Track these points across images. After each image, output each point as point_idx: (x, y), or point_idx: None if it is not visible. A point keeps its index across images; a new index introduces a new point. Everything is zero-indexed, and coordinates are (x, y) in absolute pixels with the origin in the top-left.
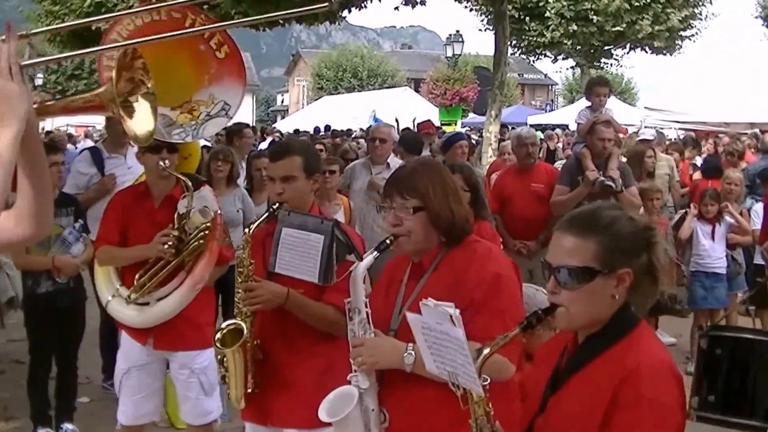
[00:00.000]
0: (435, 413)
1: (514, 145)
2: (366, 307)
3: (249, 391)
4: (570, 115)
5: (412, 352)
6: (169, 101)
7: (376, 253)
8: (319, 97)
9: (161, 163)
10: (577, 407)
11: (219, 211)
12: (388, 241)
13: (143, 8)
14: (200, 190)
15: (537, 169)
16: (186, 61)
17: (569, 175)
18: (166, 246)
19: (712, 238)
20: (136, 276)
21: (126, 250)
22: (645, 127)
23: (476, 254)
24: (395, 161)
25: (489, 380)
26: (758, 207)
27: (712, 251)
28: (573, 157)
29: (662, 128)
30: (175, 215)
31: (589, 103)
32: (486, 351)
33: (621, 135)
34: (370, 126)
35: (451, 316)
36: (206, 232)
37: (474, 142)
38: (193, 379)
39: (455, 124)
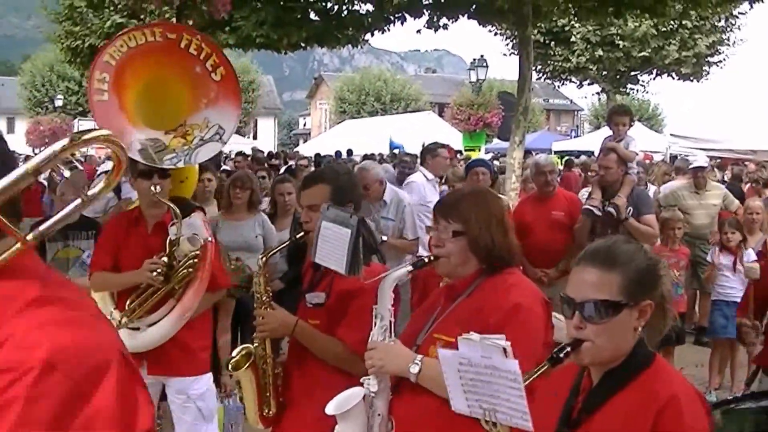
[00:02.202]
0: (438, 427)
1: (533, 174)
2: (390, 315)
3: (266, 413)
4: (596, 141)
5: (419, 363)
6: (164, 124)
7: (410, 267)
8: (342, 121)
9: (152, 188)
10: None
11: (210, 239)
12: (426, 260)
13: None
14: (190, 217)
15: (556, 196)
16: (182, 82)
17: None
18: (154, 273)
19: (734, 269)
20: (128, 301)
21: (117, 276)
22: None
23: (505, 283)
24: (392, 194)
25: None
26: None
27: (733, 280)
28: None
29: (688, 155)
30: (167, 242)
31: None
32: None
33: (647, 161)
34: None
35: (504, 349)
36: (195, 260)
37: (496, 168)
38: (189, 404)
39: (479, 150)
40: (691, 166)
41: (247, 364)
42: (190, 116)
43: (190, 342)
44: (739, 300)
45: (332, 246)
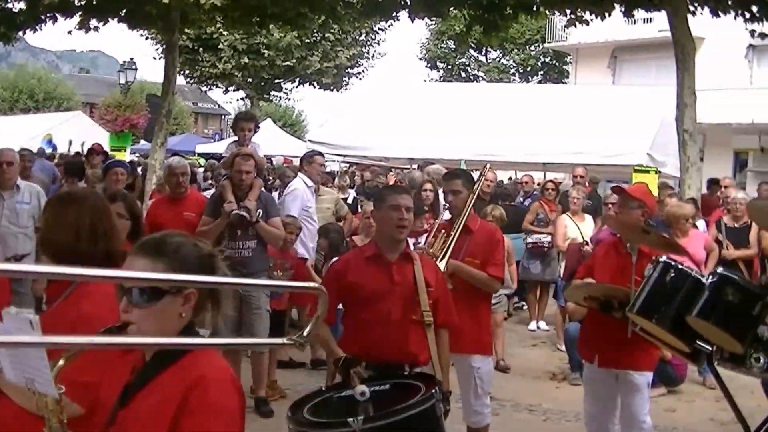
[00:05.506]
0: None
1: (166, 175)
2: None
3: None
4: None
5: None
6: None
7: None
8: None
9: None
10: (147, 417)
11: None
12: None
13: None
14: None
15: (189, 198)
16: None
17: (213, 206)
18: None
19: None
20: None
21: None
22: None
23: (80, 293)
24: (23, 183)
25: (64, 389)
26: None
27: None
28: (218, 188)
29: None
30: None
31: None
32: (61, 362)
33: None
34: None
35: (30, 321)
36: None
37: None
38: None
39: (125, 150)
40: None
41: None
42: None
43: None
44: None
45: None
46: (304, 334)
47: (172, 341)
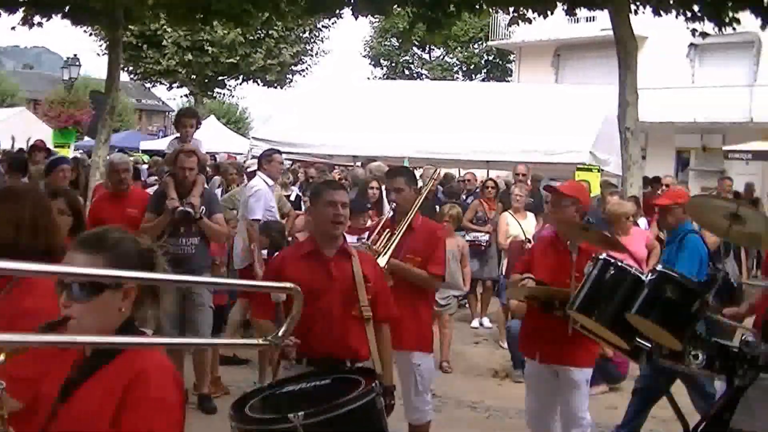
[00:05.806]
0: None
1: (108, 172)
2: None
3: None
4: None
5: None
6: None
7: None
8: None
9: None
10: (88, 412)
11: None
12: None
13: None
14: None
15: (131, 194)
16: None
17: (156, 202)
18: None
19: None
20: None
21: None
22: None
23: (21, 286)
24: None
25: (4, 385)
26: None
27: None
28: (161, 185)
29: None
30: None
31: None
32: (1, 358)
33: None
34: None
35: None
36: None
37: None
38: None
39: (69, 147)
40: (249, 170)
41: None
42: None
43: None
44: None
45: None
46: (279, 334)
47: (135, 341)
